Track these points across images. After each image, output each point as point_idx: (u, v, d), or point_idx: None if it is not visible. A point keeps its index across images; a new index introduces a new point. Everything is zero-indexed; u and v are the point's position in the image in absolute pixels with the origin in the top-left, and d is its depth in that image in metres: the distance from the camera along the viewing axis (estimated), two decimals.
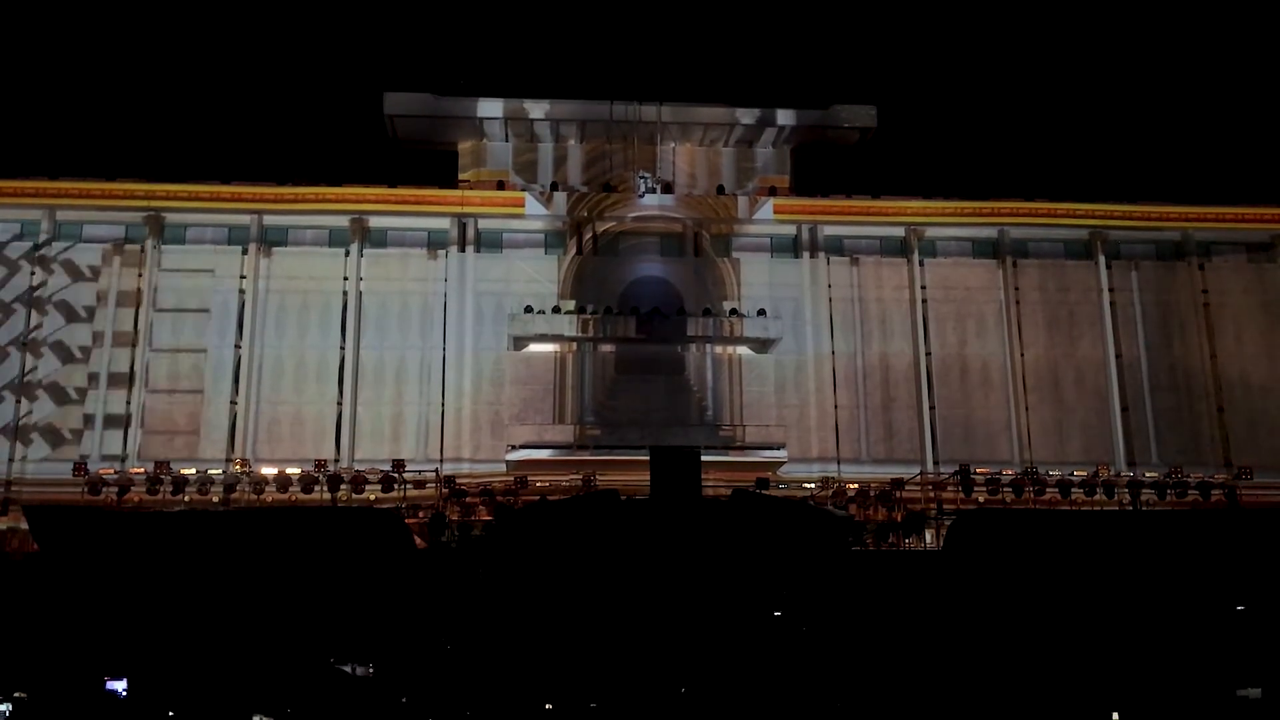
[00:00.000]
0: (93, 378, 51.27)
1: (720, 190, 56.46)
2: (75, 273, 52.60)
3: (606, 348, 53.50)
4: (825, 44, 66.59)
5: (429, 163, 57.43)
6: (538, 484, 45.93)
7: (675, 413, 52.60)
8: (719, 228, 55.60)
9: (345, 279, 53.58)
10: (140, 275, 52.60)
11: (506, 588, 39.02)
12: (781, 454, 50.91)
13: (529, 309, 52.68)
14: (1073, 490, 44.87)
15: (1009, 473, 46.40)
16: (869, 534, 43.11)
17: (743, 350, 53.85)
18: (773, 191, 56.38)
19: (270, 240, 54.05)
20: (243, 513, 42.30)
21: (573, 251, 54.73)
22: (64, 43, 67.26)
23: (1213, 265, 56.67)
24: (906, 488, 45.75)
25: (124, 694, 38.04)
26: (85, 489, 43.28)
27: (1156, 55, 69.18)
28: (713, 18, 65.62)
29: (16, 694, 38.26)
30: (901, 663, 38.92)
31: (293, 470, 44.21)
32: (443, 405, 52.39)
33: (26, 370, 51.21)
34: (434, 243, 54.79)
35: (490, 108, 55.76)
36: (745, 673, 38.78)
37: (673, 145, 57.06)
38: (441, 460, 50.11)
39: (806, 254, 55.52)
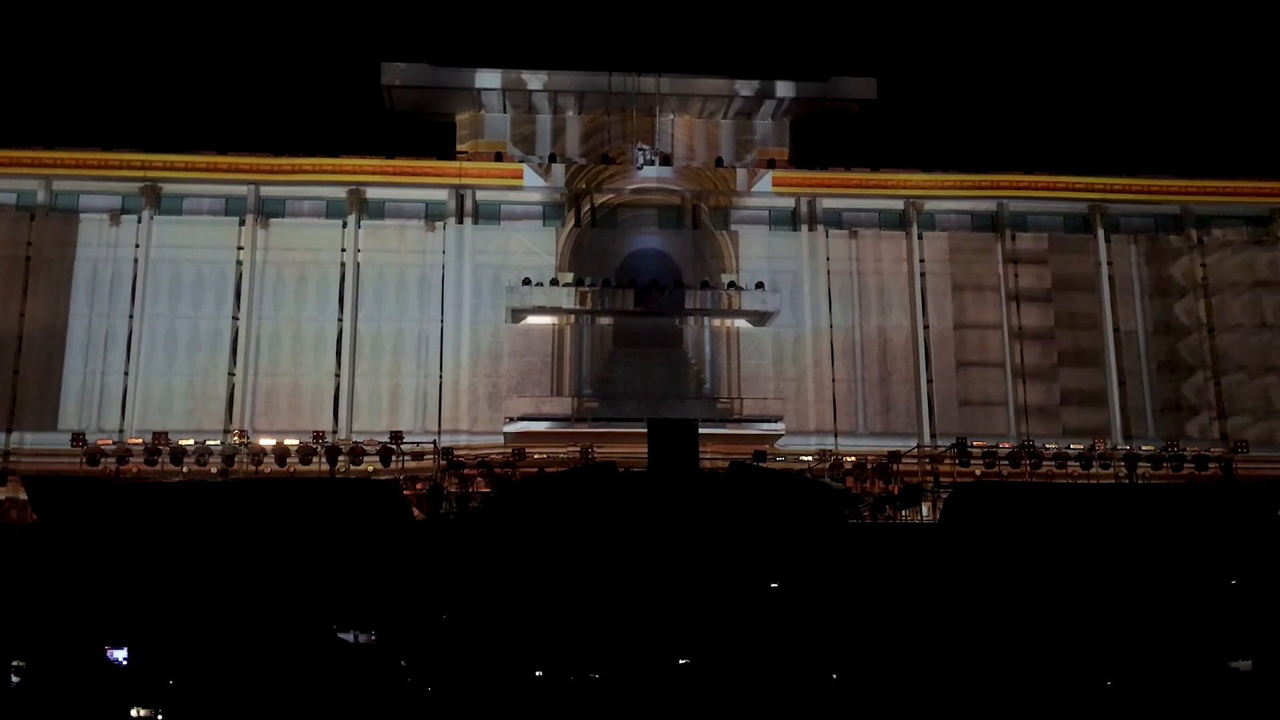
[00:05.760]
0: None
1: (719, 162, 56.28)
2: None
3: (604, 320, 53.47)
4: (825, 15, 66.30)
5: (427, 134, 57.25)
6: (535, 456, 46.04)
7: (673, 385, 52.68)
8: (717, 200, 55.50)
9: (343, 250, 53.53)
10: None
11: (504, 559, 39.16)
12: (779, 427, 51.03)
13: (527, 281, 52.61)
14: (1069, 463, 44.98)
15: (1006, 446, 46.50)
16: (866, 506, 43.23)
17: (741, 323, 53.86)
18: (771, 164, 56.21)
19: (267, 211, 53.93)
20: (241, 483, 42.38)
21: (571, 224, 54.63)
22: (60, 12, 66.84)
23: (1211, 239, 56.65)
24: (903, 461, 45.83)
25: (124, 662, 38.25)
26: (84, 459, 43.35)
27: (1157, 28, 68.89)
28: None
29: (15, 662, 38.45)
30: (898, 634, 39.13)
31: (291, 441, 44.25)
32: (440, 377, 52.48)
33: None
34: (432, 214, 54.67)
35: (488, 79, 55.46)
36: (743, 644, 38.98)
37: (671, 117, 56.82)
38: (439, 432, 50.23)
39: (805, 227, 55.45)
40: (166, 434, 44.51)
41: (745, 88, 56.13)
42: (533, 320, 53.04)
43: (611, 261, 53.85)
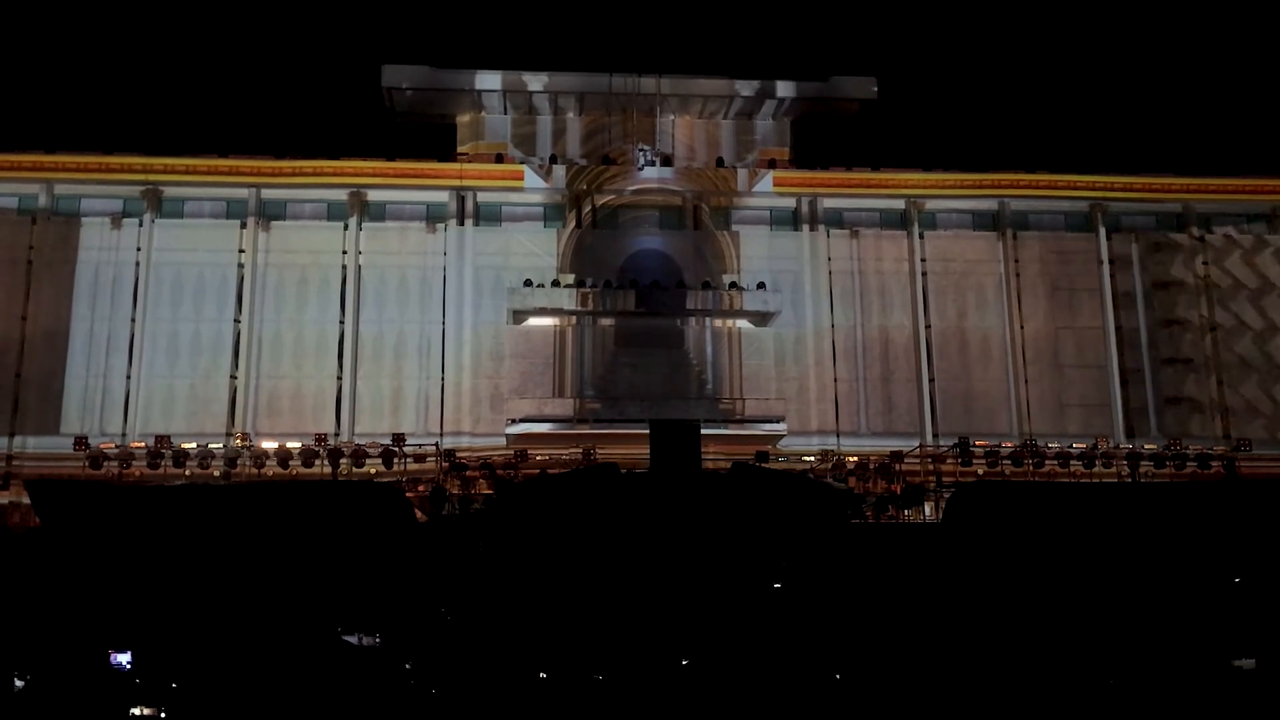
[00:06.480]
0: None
1: (720, 163, 56.25)
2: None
3: (606, 321, 53.46)
4: (825, 15, 66.32)
5: (427, 136, 57.27)
6: (538, 457, 46.02)
7: (675, 386, 52.65)
8: (718, 200, 55.48)
9: (344, 253, 53.54)
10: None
11: (507, 560, 39.16)
12: (781, 427, 50.99)
13: (528, 282, 52.59)
14: (1071, 462, 44.94)
15: (1008, 445, 46.46)
16: (868, 506, 43.20)
17: (742, 323, 53.83)
18: (772, 164, 56.20)
19: (268, 214, 53.94)
20: (245, 486, 42.41)
21: (572, 224, 54.61)
22: (62, 17, 66.92)
23: (1213, 236, 56.61)
24: (906, 460, 45.78)
25: (128, 667, 38.26)
26: (86, 463, 43.38)
27: (1157, 27, 68.87)
28: None
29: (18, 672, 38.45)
30: (901, 634, 39.11)
31: (293, 444, 44.27)
32: (442, 379, 52.46)
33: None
34: (433, 216, 54.67)
35: (488, 80, 55.46)
36: (746, 645, 38.97)
37: (672, 118, 56.81)
38: (441, 434, 50.23)
39: (806, 227, 55.42)
40: (169, 437, 44.59)
41: (746, 88, 56.16)
42: (534, 322, 53.03)
43: (613, 262, 53.83)
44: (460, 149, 56.32)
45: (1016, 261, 55.62)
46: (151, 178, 53.26)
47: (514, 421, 50.49)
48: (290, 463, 43.60)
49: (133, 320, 51.95)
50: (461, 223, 54.23)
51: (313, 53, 64.66)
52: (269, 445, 44.80)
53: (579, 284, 52.84)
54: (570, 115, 56.71)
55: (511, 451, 46.30)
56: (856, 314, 54.65)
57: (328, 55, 64.18)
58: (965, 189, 56.48)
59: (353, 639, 39.46)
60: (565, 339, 53.30)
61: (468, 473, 43.72)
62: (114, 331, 51.80)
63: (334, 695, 37.73)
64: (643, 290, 52.67)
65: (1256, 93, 66.86)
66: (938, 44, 68.94)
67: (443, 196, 54.56)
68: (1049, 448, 45.62)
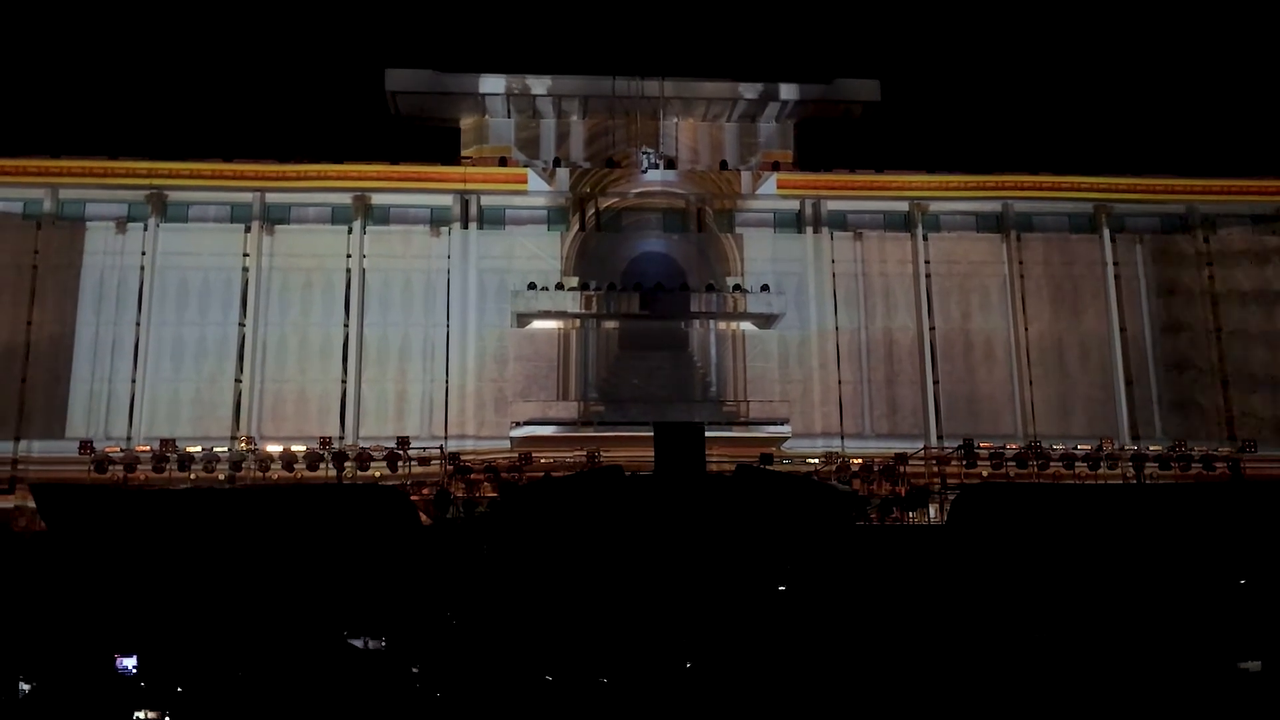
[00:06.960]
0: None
1: (723, 165, 56.31)
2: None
3: (610, 324, 53.51)
4: (828, 17, 66.29)
5: (431, 139, 57.33)
6: (542, 460, 46.07)
7: (679, 389, 52.68)
8: (722, 203, 55.50)
9: (348, 256, 53.60)
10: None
11: (512, 563, 39.19)
12: (785, 429, 51.01)
13: (532, 286, 52.67)
14: (1076, 464, 44.91)
15: (1013, 447, 46.41)
16: (873, 509, 43.19)
17: (746, 326, 53.88)
18: (776, 166, 56.26)
19: (273, 218, 54.02)
20: (249, 490, 42.47)
21: (575, 228, 54.67)
22: (65, 20, 67.03)
23: (1218, 238, 56.55)
24: (910, 462, 45.74)
25: (133, 671, 38.31)
26: (91, 467, 43.47)
27: (1161, 27, 68.77)
28: None
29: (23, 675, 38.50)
30: (905, 636, 39.08)
31: (298, 448, 44.32)
32: (446, 382, 52.53)
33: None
34: (437, 219, 54.75)
35: (492, 84, 55.55)
36: (750, 648, 38.96)
37: (675, 120, 56.89)
38: (446, 437, 50.27)
39: (810, 229, 55.43)
40: (174, 441, 44.69)
41: (749, 90, 56.24)
42: (538, 325, 53.09)
43: (616, 265, 53.90)
44: (464, 152, 56.43)
45: (1020, 263, 55.60)
46: (156, 182, 53.34)
47: (518, 424, 50.57)
48: (295, 466, 43.63)
49: (137, 324, 52.05)
50: (465, 226, 54.30)
51: (316, 57, 64.71)
52: (274, 449, 44.86)
53: (583, 287, 52.91)
54: (574, 118, 56.80)
55: (516, 454, 46.36)
56: (860, 316, 54.66)
57: (331, 59, 64.20)
58: (969, 190, 56.46)
59: (358, 642, 39.50)
60: (569, 342, 53.34)
61: (472, 476, 43.78)
62: (119, 336, 51.91)
63: (340, 699, 37.75)
64: (646, 293, 52.72)
65: (1260, 93, 66.75)
66: (941, 46, 68.88)
67: (446, 200, 54.64)
68: (1054, 449, 45.57)
